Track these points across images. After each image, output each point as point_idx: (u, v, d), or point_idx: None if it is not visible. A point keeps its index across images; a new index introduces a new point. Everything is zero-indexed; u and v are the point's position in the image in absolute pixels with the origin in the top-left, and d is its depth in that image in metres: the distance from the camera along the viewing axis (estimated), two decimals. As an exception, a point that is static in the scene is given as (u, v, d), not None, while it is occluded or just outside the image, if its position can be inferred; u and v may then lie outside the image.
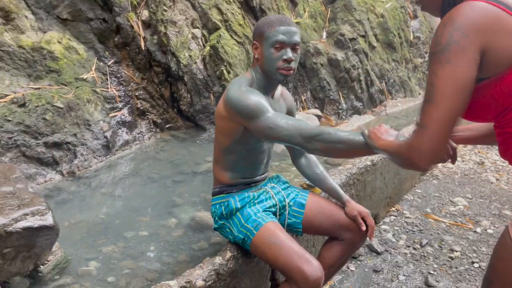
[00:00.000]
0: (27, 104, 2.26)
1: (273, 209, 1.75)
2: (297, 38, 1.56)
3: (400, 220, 3.09)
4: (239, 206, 1.68)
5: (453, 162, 1.29)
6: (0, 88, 2.24)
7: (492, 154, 4.65)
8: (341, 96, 3.90)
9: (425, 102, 0.95)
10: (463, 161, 4.42)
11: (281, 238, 1.57)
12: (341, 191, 1.84)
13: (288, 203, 1.79)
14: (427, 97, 0.95)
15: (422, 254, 2.67)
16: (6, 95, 2.25)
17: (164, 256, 1.82)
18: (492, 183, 3.84)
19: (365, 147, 1.30)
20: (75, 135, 2.47)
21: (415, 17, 5.25)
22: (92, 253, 1.82)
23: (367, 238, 1.80)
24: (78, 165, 2.44)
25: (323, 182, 1.87)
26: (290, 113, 1.84)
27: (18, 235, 1.36)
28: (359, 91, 4.00)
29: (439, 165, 4.18)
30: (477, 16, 0.90)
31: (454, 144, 1.28)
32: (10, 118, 2.17)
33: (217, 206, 1.73)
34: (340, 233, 1.78)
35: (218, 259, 1.60)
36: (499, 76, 0.92)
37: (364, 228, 1.74)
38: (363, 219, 1.76)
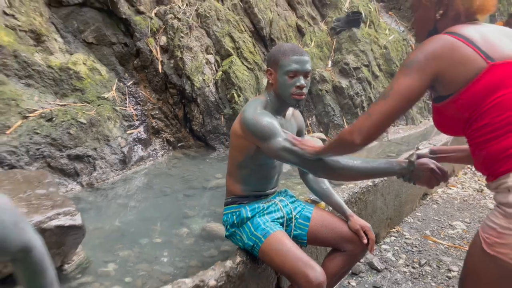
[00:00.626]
0: (54, 119, 2.44)
1: (281, 220, 1.88)
2: (308, 66, 1.73)
3: (400, 241, 3.20)
4: (249, 215, 1.82)
5: (445, 181, 1.45)
6: (30, 103, 2.43)
7: (491, 182, 4.76)
8: (344, 121, 4.08)
9: (380, 98, 1.18)
10: (462, 188, 4.54)
11: (288, 245, 1.70)
12: (345, 206, 1.98)
13: (295, 216, 1.92)
14: (382, 95, 1.19)
15: (421, 273, 2.77)
16: (35, 110, 2.44)
17: (176, 261, 1.95)
18: (490, 209, 3.95)
19: (368, 174, 1.49)
20: (95, 149, 2.64)
21: (417, 49, 5.48)
22: (110, 257, 1.96)
23: (368, 251, 1.93)
24: (96, 177, 2.60)
25: (329, 197, 2.01)
26: (300, 131, 2.00)
27: (51, 232, 1.50)
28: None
29: (439, 190, 4.30)
30: (439, 46, 1.13)
31: (445, 169, 1.45)
32: (38, 131, 2.35)
33: (229, 215, 1.87)
34: (342, 245, 1.90)
35: (228, 263, 1.73)
36: (458, 92, 1.13)
37: (365, 241, 1.86)
38: (364, 232, 1.89)
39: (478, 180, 4.82)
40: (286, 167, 3.17)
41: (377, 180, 2.88)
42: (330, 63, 4.38)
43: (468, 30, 1.15)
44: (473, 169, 5.16)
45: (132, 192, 2.66)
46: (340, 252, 1.91)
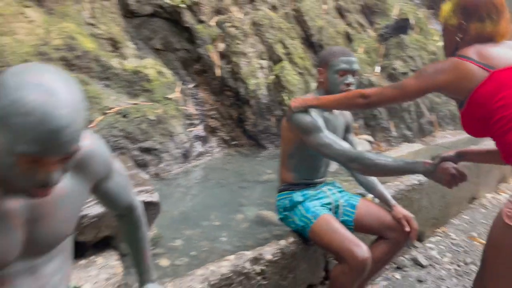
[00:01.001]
0: (128, 115, 2.79)
1: (329, 206, 2.07)
2: (356, 66, 1.94)
3: (445, 241, 3.26)
4: (300, 200, 2.03)
5: (464, 181, 1.64)
6: (108, 102, 2.79)
7: (545, 190, 4.65)
8: (392, 125, 4.19)
9: (392, 86, 1.63)
10: (514, 194, 4.47)
11: (335, 226, 1.90)
12: (389, 196, 2.14)
13: (342, 204, 2.11)
14: (395, 84, 1.61)
15: (466, 271, 2.84)
16: (113, 108, 2.79)
17: (234, 241, 2.19)
18: (542, 215, 3.89)
19: (396, 171, 1.75)
20: (161, 143, 2.97)
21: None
22: (177, 234, 2.23)
23: (410, 240, 2.07)
24: (162, 168, 2.92)
25: (374, 188, 2.18)
26: (348, 127, 2.19)
27: (135, 206, 1.79)
28: (409, 121, 4.27)
29: (488, 196, 4.28)
30: (446, 65, 1.47)
31: (465, 171, 1.62)
32: (115, 126, 2.70)
33: (282, 200, 2.09)
34: (386, 232, 2.06)
35: (283, 242, 1.95)
36: (469, 97, 1.42)
37: (407, 229, 2.00)
38: (407, 222, 2.04)
39: (531, 187, 4.72)
40: (333, 167, 3.34)
41: (423, 179, 2.99)
42: (378, 68, 4.51)
43: (469, 51, 1.46)
44: (526, 176, 5.04)
45: (192, 183, 2.96)
46: (384, 239, 2.07)
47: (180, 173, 3.07)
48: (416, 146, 4.13)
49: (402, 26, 4.58)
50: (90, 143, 1.03)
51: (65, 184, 0.98)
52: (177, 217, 2.46)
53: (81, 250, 1.75)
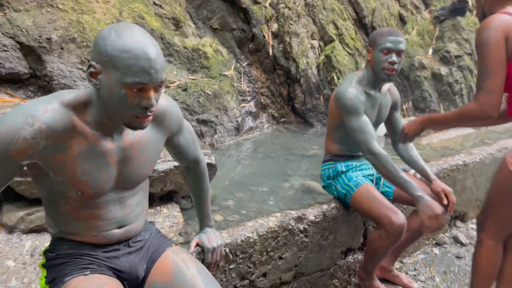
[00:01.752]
0: (188, 89, 3.05)
1: (371, 178, 2.22)
2: (402, 46, 2.01)
3: None
4: (344, 169, 2.19)
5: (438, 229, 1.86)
6: (171, 76, 3.06)
7: None
8: (441, 108, 4.18)
9: (482, 77, 1.58)
10: None
11: (375, 194, 2.05)
12: (429, 171, 2.24)
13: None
14: (483, 73, 1.59)
15: (506, 251, 2.88)
16: (174, 82, 3.07)
17: (280, 204, 2.40)
18: None
19: (397, 182, 1.93)
20: (216, 116, 3.22)
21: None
22: (229, 196, 2.48)
23: (449, 212, 2.17)
24: (216, 139, 3.18)
25: (416, 163, 2.28)
26: (395, 105, 2.28)
27: (195, 165, 2.04)
28: (461, 104, 4.23)
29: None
30: (497, 20, 1.55)
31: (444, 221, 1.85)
32: (177, 98, 2.97)
33: (326, 169, 2.27)
34: (424, 204, 2.18)
35: (325, 206, 2.14)
36: None
37: (445, 202, 2.11)
38: (446, 195, 2.14)
39: None
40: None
41: (468, 160, 3.03)
42: (431, 50, 4.47)
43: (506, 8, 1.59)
44: None
45: (243, 154, 3.19)
46: (423, 211, 2.19)
47: (232, 144, 3.31)
48: (466, 131, 4.10)
49: (460, 8, 4.49)
50: (165, 102, 1.28)
51: (147, 133, 1.23)
52: (230, 181, 2.71)
53: (150, 201, 2.04)
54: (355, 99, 2.03)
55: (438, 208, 1.83)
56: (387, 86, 2.24)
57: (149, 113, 1.04)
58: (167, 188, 2.03)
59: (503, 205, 1.73)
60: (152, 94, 1.02)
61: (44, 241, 1.68)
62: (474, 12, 4.81)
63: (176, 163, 2.03)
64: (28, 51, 2.41)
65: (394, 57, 1.99)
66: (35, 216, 1.68)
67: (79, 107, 1.08)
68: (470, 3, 4.63)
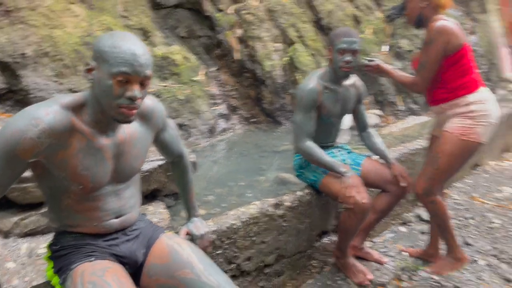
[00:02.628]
0: (161, 96, 3.18)
1: (338, 164, 2.43)
2: (355, 46, 2.19)
3: (448, 201, 3.58)
4: (313, 158, 2.39)
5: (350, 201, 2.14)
6: (143, 84, 3.17)
7: (549, 158, 4.91)
8: (398, 99, 4.49)
9: (421, 68, 2.16)
10: (517, 162, 4.74)
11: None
12: (389, 156, 2.47)
13: (349, 162, 2.46)
14: (421, 65, 2.15)
15: (465, 224, 3.17)
16: (147, 89, 3.19)
17: (258, 196, 2.55)
18: (541, 178, 4.17)
19: (325, 165, 2.24)
20: (190, 120, 3.36)
21: (473, 33, 5.68)
22: (208, 192, 2.61)
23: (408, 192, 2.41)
24: (191, 142, 3.32)
25: (378, 149, 2.51)
26: (359, 98, 2.50)
27: (176, 164, 2.18)
28: (415, 95, 4.56)
29: (491, 163, 4.56)
30: (446, 25, 2.03)
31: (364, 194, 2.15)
32: (151, 104, 3.09)
33: (298, 160, 2.46)
34: (386, 186, 2.40)
35: (299, 192, 2.33)
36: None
37: (403, 183, 2.34)
38: (403, 177, 2.37)
39: (535, 156, 4.97)
40: (345, 137, 3.68)
41: (425, 144, 3.30)
42: (385, 47, 4.80)
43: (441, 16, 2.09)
44: (531, 146, 5.28)
45: (218, 154, 3.35)
46: (385, 192, 2.41)
47: (207, 146, 3.46)
48: (423, 119, 4.42)
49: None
50: (152, 102, 1.44)
51: (137, 130, 1.38)
52: (208, 179, 2.85)
53: (135, 200, 2.15)
54: (308, 97, 2.22)
55: (356, 180, 2.13)
56: (352, 80, 2.45)
57: (133, 105, 1.17)
58: (151, 187, 2.16)
59: (452, 171, 2.27)
60: (136, 87, 1.16)
61: (40, 243, 1.77)
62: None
63: (159, 163, 2.16)
64: (4, 67, 2.48)
65: (349, 57, 2.19)
66: (29, 221, 1.77)
67: (77, 108, 1.22)
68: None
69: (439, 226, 2.44)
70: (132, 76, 1.13)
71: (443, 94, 2.19)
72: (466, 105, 2.12)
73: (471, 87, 2.13)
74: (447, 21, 2.07)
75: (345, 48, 2.18)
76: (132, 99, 1.16)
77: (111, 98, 1.16)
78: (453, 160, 2.18)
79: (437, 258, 2.59)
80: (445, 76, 2.15)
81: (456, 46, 2.05)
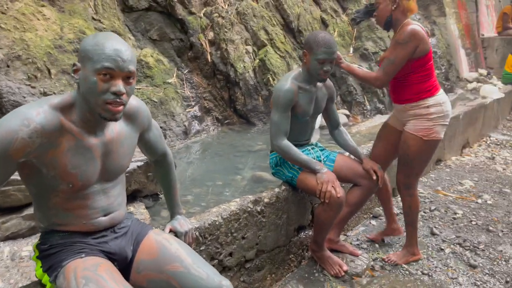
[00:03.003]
0: (135, 98, 3.18)
1: (313, 161, 2.53)
2: (334, 56, 2.28)
3: (414, 195, 3.78)
4: (289, 156, 2.48)
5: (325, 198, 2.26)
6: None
7: (504, 151, 5.24)
8: (365, 99, 4.68)
9: (388, 63, 2.31)
10: (476, 156, 5.04)
11: (318, 174, 2.35)
12: (360, 152, 2.59)
13: (323, 159, 2.57)
14: (389, 60, 2.31)
15: (430, 216, 3.36)
16: (120, 92, 3.18)
17: (236, 195, 2.62)
18: (498, 171, 4.46)
19: (301, 164, 2.33)
20: (165, 122, 3.38)
21: (433, 35, 5.98)
22: (186, 192, 2.66)
23: (379, 185, 2.54)
24: (167, 144, 3.33)
25: (349, 146, 2.63)
26: (331, 97, 2.60)
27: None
28: (381, 95, 4.76)
29: (453, 158, 4.82)
30: (417, 29, 2.22)
31: (340, 193, 2.27)
32: (125, 107, 3.09)
33: (274, 158, 2.54)
34: (358, 180, 2.51)
35: (277, 189, 2.41)
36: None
37: (374, 177, 2.47)
38: (374, 171, 2.50)
39: (492, 150, 5.30)
40: (316, 136, 3.80)
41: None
42: (351, 49, 4.98)
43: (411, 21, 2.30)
44: (488, 141, 5.63)
45: (194, 155, 3.38)
46: (358, 186, 2.53)
47: (182, 147, 3.49)
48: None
49: (372, 10, 5.04)
50: (137, 102, 1.48)
51: (123, 129, 1.42)
52: (185, 180, 2.89)
53: (116, 201, 2.17)
54: (285, 97, 2.30)
55: (330, 176, 2.23)
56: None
57: (119, 101, 1.21)
58: (132, 188, 2.18)
59: (424, 166, 2.52)
60: (120, 82, 1.20)
61: (22, 245, 1.76)
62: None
63: (138, 164, 2.18)
64: (-26, 71, 2.43)
65: (328, 66, 2.28)
66: (10, 224, 1.76)
67: (66, 109, 1.25)
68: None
69: (409, 219, 2.62)
70: (116, 72, 1.17)
71: (408, 95, 2.40)
72: (427, 107, 2.36)
73: (433, 90, 2.38)
74: (419, 26, 2.27)
75: (326, 58, 2.24)
76: (117, 94, 1.19)
77: (96, 95, 1.19)
78: (422, 158, 2.45)
79: (397, 231, 2.91)
80: (412, 79, 2.36)
81: (424, 51, 2.26)
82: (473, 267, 2.64)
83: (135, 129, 1.49)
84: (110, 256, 1.41)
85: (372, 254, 2.78)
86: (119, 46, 1.19)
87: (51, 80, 2.76)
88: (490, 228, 3.12)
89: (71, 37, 2.99)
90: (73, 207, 1.35)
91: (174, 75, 3.72)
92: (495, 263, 2.68)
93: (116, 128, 1.40)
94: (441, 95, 2.42)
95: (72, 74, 1.24)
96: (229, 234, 2.07)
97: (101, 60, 1.15)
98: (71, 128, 1.26)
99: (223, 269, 2.08)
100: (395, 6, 2.29)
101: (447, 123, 2.42)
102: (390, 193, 2.91)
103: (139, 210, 2.17)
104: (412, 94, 2.38)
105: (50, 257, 1.34)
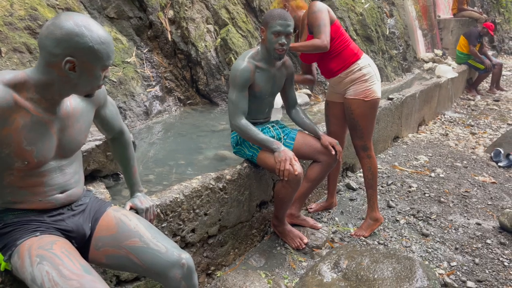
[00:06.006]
0: (92, 78, 3.09)
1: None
2: (290, 29, 2.31)
3: (372, 170, 3.92)
4: (249, 134, 2.51)
5: (284, 175, 2.33)
6: (72, 66, 3.07)
7: (456, 128, 5.51)
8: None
9: (318, 31, 2.48)
10: (431, 133, 5.27)
11: (277, 152, 2.40)
12: (318, 129, 2.65)
13: (283, 137, 2.61)
14: (318, 29, 2.48)
15: (387, 189, 3.51)
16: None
17: (198, 173, 2.61)
18: (451, 146, 4.70)
19: (260, 142, 2.37)
20: (124, 102, 3.31)
21: (391, 15, 6.12)
22: (148, 171, 2.64)
23: (338, 160, 2.62)
24: (127, 124, 3.28)
25: (306, 124, 2.68)
26: (290, 77, 2.64)
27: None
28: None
29: (409, 135, 5.02)
30: (320, 4, 2.46)
31: (298, 170, 2.30)
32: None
33: (234, 137, 2.56)
34: (318, 156, 2.58)
35: (239, 166, 2.44)
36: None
37: (333, 152, 2.54)
38: (333, 147, 2.57)
39: (446, 127, 5.55)
40: (278, 115, 3.85)
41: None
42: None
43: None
44: (442, 119, 5.88)
45: (156, 135, 3.35)
46: (317, 162, 2.60)
47: (143, 128, 3.45)
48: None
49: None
50: None
51: (79, 105, 1.40)
52: (147, 160, 2.87)
53: (74, 182, 2.13)
54: (242, 76, 2.31)
55: (287, 154, 2.27)
56: (282, 60, 2.57)
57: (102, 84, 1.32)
58: (91, 167, 2.14)
59: (372, 126, 2.67)
60: (106, 73, 1.31)
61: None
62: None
63: (97, 143, 2.14)
64: None
65: (283, 39, 2.30)
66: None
67: (19, 86, 1.22)
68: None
69: (369, 182, 2.76)
70: (108, 65, 1.27)
71: (339, 65, 2.59)
72: (359, 70, 2.56)
73: (358, 54, 2.60)
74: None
75: (280, 30, 2.26)
76: (103, 83, 1.34)
77: (96, 84, 1.28)
78: (368, 118, 2.63)
79: (334, 203, 3.14)
80: (335, 46, 2.54)
81: (332, 19, 2.52)
82: (425, 235, 2.80)
83: (91, 105, 1.47)
84: (67, 234, 1.40)
85: (332, 227, 2.89)
86: (112, 41, 1.27)
87: (1, 59, 2.63)
88: (442, 199, 3.30)
89: (22, 14, 2.85)
90: (28, 184, 1.33)
91: (133, 54, 3.63)
92: (446, 231, 2.86)
93: (72, 104, 1.38)
94: (366, 58, 2.64)
95: (67, 71, 1.21)
96: (191, 211, 2.09)
97: (107, 58, 1.25)
98: (26, 105, 1.23)
99: (186, 245, 2.10)
100: (287, 9, 2.64)
101: (379, 81, 2.64)
102: (339, 169, 3.10)
103: (99, 190, 2.14)
104: (342, 62, 2.57)
105: (5, 236, 1.32)
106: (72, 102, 1.37)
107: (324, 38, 2.41)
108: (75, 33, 1.16)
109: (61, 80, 1.23)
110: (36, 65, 1.24)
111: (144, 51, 3.79)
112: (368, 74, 2.57)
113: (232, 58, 4.09)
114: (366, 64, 2.60)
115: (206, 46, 4.04)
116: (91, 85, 1.27)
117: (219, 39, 4.16)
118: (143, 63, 3.69)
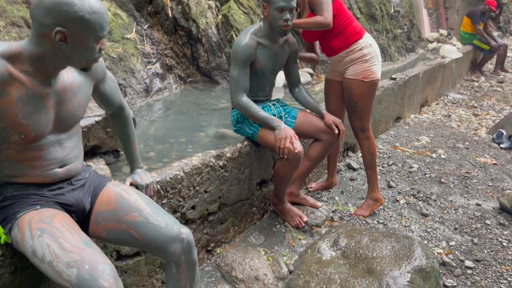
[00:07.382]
0: (92, 54, 3.05)
1: (273, 117, 2.55)
2: (293, 3, 2.26)
3: (374, 150, 3.91)
4: (250, 112, 2.48)
5: (285, 154, 2.30)
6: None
7: (459, 110, 5.47)
8: (329, 58, 4.69)
9: (320, 10, 2.41)
10: (433, 114, 5.23)
11: (278, 130, 2.38)
12: (321, 108, 2.63)
13: (284, 115, 2.59)
14: (320, 7, 2.42)
15: (388, 170, 3.50)
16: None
17: (199, 150, 2.61)
18: (453, 128, 4.67)
19: (260, 120, 2.34)
20: (124, 79, 3.28)
21: (396, -6, 6.00)
22: (149, 149, 2.63)
23: (340, 139, 2.60)
24: (127, 101, 3.25)
25: (309, 103, 2.66)
26: (293, 55, 2.60)
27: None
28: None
29: (411, 116, 4.99)
30: None
31: (298, 148, 2.29)
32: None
33: (235, 115, 2.54)
34: (320, 135, 2.56)
35: (239, 144, 2.43)
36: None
37: (336, 131, 2.53)
38: (336, 126, 2.55)
39: (449, 108, 5.51)
40: (280, 94, 3.81)
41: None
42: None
43: None
44: (445, 100, 5.84)
45: (156, 113, 3.33)
46: (319, 141, 2.58)
47: (144, 105, 3.42)
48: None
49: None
50: None
51: (77, 79, 1.38)
52: (147, 137, 2.85)
53: (74, 158, 2.12)
54: (244, 52, 2.27)
55: (288, 132, 2.24)
56: (286, 37, 2.53)
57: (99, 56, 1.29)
58: (91, 143, 2.13)
59: (370, 107, 2.65)
60: (102, 45, 1.27)
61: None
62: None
63: (96, 119, 2.13)
64: None
65: (287, 15, 2.25)
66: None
67: (13, 57, 1.19)
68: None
69: (368, 163, 2.76)
70: (102, 37, 1.24)
71: (341, 43, 2.54)
72: (360, 49, 2.51)
73: (360, 33, 2.54)
74: None
75: (284, 6, 2.22)
76: (99, 56, 1.29)
77: (91, 56, 1.24)
78: (367, 99, 2.60)
79: (334, 183, 3.12)
80: (337, 24, 2.49)
81: None
82: (425, 215, 2.81)
83: (90, 79, 1.45)
84: (67, 208, 1.39)
85: (332, 206, 2.89)
86: (106, 11, 1.24)
87: (-1, 33, 2.59)
88: (442, 180, 3.30)
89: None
90: (27, 158, 1.32)
91: (133, 30, 3.58)
92: (445, 211, 2.86)
93: (69, 78, 1.35)
94: (368, 37, 2.58)
95: (58, 42, 1.18)
96: (191, 188, 2.09)
97: (101, 29, 1.21)
98: (21, 77, 1.21)
99: (186, 222, 2.11)
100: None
101: (380, 62, 2.60)
102: (339, 149, 3.10)
103: (99, 166, 2.13)
104: (343, 40, 2.53)
105: (4, 209, 1.32)
106: (70, 76, 1.35)
107: (327, 16, 2.36)
108: (64, 2, 1.13)
109: (54, 51, 1.20)
110: (29, 37, 1.21)
111: (144, 27, 3.73)
112: (369, 55, 2.52)
113: (234, 35, 4.03)
114: (368, 44, 2.54)
115: (207, 22, 3.98)
116: (86, 58, 1.23)
117: (221, 16, 4.09)
118: (143, 40, 3.64)
